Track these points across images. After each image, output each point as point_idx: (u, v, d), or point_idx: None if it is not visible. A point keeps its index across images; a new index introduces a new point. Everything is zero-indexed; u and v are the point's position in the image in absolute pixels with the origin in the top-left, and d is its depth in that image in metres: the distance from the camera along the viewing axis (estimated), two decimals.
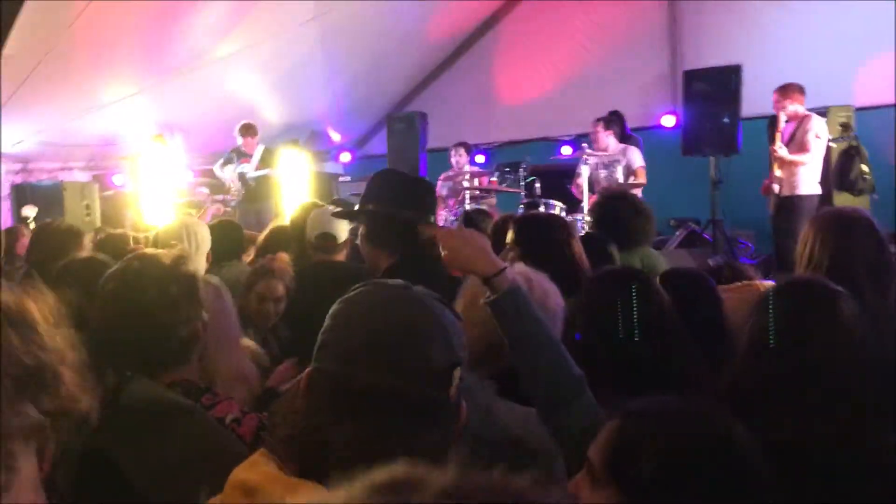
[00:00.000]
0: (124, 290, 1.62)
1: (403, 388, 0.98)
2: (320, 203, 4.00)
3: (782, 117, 5.99)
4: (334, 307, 1.06)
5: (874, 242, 2.06)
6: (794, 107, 6.01)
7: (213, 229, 3.38)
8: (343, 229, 3.22)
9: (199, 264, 2.87)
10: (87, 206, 7.31)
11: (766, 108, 6.37)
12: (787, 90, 6.03)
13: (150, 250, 1.87)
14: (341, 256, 3.27)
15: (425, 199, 2.56)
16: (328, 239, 3.19)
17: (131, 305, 1.59)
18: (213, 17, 7.21)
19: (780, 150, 5.94)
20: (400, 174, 3.04)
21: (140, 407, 1.50)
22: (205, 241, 3.11)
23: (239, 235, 3.86)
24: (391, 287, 1.09)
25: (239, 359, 2.03)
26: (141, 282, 1.61)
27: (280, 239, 3.69)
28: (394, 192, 2.51)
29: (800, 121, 6.02)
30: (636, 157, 6.94)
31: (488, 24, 9.88)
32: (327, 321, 1.05)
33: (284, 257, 3.15)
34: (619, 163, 6.88)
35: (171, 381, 1.60)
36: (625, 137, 7.41)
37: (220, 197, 8.17)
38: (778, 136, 6.00)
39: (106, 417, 1.60)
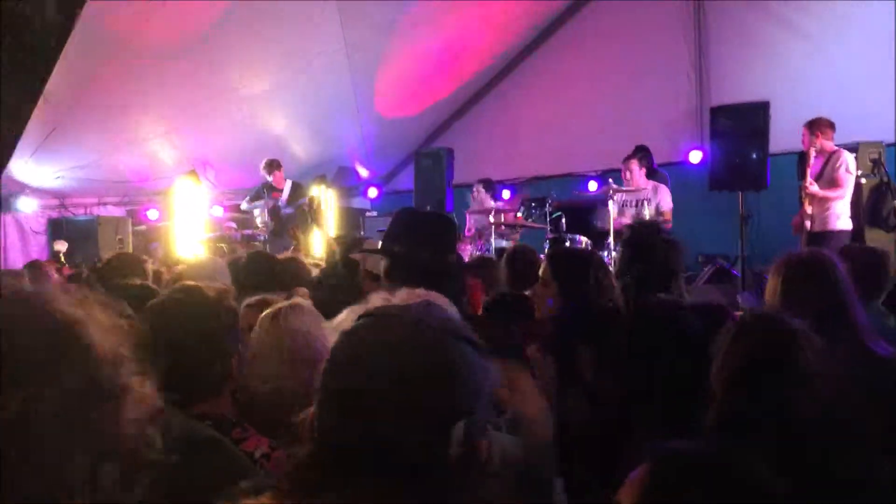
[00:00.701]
0: (165, 319, 1.65)
1: (382, 445, 0.89)
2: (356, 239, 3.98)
3: (812, 153, 5.95)
4: (335, 343, 1.00)
5: (829, 286, 2.04)
6: (824, 142, 5.97)
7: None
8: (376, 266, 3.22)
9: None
10: (121, 241, 7.47)
11: (795, 143, 6.33)
12: (817, 125, 6.00)
13: (193, 283, 1.89)
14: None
15: (444, 238, 2.57)
16: (372, 277, 3.18)
17: (170, 336, 1.61)
18: (245, 54, 7.40)
19: (812, 186, 5.89)
20: (420, 213, 3.06)
21: (171, 439, 1.51)
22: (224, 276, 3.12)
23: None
24: (395, 323, 0.98)
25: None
26: (182, 313, 1.65)
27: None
28: (413, 231, 2.53)
29: (829, 156, 5.97)
30: (666, 198, 6.92)
31: (515, 61, 10.00)
32: (328, 358, 0.99)
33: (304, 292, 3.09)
34: (648, 201, 6.87)
35: (202, 413, 1.61)
36: (651, 172, 7.40)
37: (248, 232, 8.29)
38: (808, 171, 5.95)
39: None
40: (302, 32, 7.41)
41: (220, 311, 1.66)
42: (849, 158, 5.93)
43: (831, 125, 6.02)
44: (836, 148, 6.03)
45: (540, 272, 2.78)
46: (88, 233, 7.62)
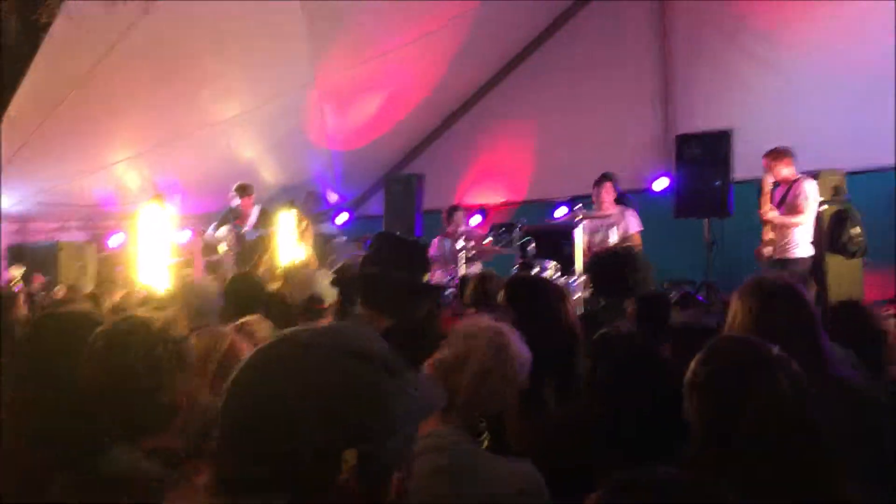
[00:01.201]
0: (109, 350, 1.60)
1: (271, 470, 0.86)
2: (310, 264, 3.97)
3: (768, 180, 6.06)
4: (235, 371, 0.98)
5: (801, 312, 2.05)
6: (786, 170, 6.09)
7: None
8: (331, 292, 3.12)
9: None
10: (82, 267, 7.31)
11: (758, 171, 6.45)
12: (778, 154, 6.12)
13: (141, 312, 1.85)
14: (328, 320, 3.16)
15: (416, 260, 2.60)
16: (315, 303, 3.11)
17: (115, 367, 1.57)
18: (214, 80, 7.37)
19: (770, 213, 5.99)
20: (394, 236, 3.08)
21: (118, 476, 1.46)
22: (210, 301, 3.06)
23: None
24: (288, 346, 0.94)
25: None
26: (127, 343, 1.60)
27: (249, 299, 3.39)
28: (388, 254, 2.55)
29: (791, 184, 6.09)
30: (634, 222, 6.99)
31: (484, 88, 10.11)
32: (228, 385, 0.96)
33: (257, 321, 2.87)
34: (615, 225, 6.92)
35: (151, 447, 1.56)
36: (619, 198, 7.49)
37: (214, 258, 8.18)
38: (766, 199, 6.06)
39: (84, 485, 1.56)
40: (272, 59, 7.41)
41: (165, 341, 1.60)
42: (809, 186, 6.05)
43: (790, 153, 6.14)
44: (798, 175, 6.16)
45: (498, 299, 2.78)
46: (49, 259, 7.46)
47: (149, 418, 1.58)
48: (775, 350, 1.62)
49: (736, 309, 2.13)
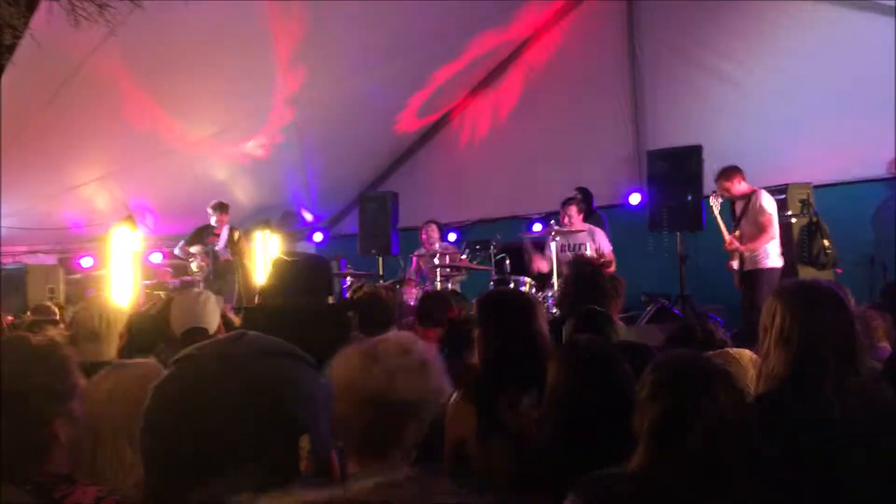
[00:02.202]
0: None
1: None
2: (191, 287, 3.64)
3: (716, 207, 6.19)
4: (146, 401, 0.96)
5: (843, 317, 2.03)
6: (739, 185, 6.21)
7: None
8: (214, 318, 2.79)
9: (110, 351, 2.63)
10: (51, 290, 7.19)
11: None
12: (729, 174, 6.22)
13: (23, 333, 1.70)
14: None
15: (319, 283, 2.54)
16: (197, 334, 2.72)
17: None
18: (186, 100, 7.32)
19: (733, 244, 6.11)
20: (293, 261, 2.90)
21: None
22: (117, 325, 2.79)
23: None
24: (199, 362, 0.94)
25: None
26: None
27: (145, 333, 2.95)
28: (288, 283, 2.48)
29: (748, 197, 6.19)
30: (604, 241, 7.02)
31: (458, 106, 10.15)
32: (144, 412, 0.95)
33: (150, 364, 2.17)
34: (585, 243, 6.96)
35: (35, 478, 1.42)
36: (589, 214, 7.54)
37: (186, 278, 8.08)
38: (723, 227, 6.17)
39: None
40: (244, 78, 7.38)
41: (34, 371, 1.45)
42: (765, 197, 6.14)
43: (739, 169, 6.25)
44: (751, 189, 6.25)
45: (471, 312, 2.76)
46: (16, 282, 7.31)
47: (17, 454, 1.42)
48: (717, 364, 1.61)
49: (776, 310, 2.05)
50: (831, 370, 1.92)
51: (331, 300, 2.37)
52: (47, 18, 4.62)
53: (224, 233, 8.13)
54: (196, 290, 3.09)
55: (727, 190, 6.22)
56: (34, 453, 1.45)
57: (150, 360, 1.93)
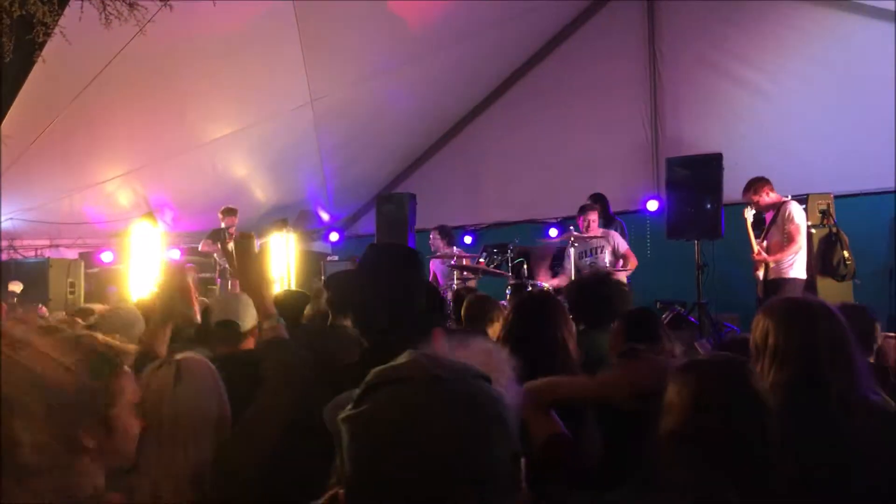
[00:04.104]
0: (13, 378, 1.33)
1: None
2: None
3: (749, 217, 6.15)
4: (349, 425, 0.90)
5: (837, 331, 2.01)
6: (769, 196, 6.18)
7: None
8: (251, 314, 2.74)
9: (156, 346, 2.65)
10: (72, 284, 7.27)
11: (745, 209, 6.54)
12: (757, 187, 6.19)
13: (89, 332, 1.61)
14: (249, 345, 2.79)
15: (419, 276, 2.39)
16: (228, 326, 2.71)
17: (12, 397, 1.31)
18: (208, 99, 7.39)
19: (761, 256, 6.07)
20: (391, 247, 2.89)
21: None
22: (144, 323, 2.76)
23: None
24: (416, 386, 0.89)
25: None
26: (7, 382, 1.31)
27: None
28: (388, 271, 2.37)
29: (778, 207, 6.15)
30: (621, 241, 7.04)
31: (477, 110, 10.18)
32: (350, 444, 0.89)
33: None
34: (602, 248, 6.97)
35: (50, 488, 1.32)
36: (608, 220, 7.54)
37: (205, 275, 8.18)
38: (752, 240, 6.13)
39: None
40: (266, 78, 7.43)
41: (57, 381, 1.35)
42: (795, 208, 6.11)
43: (764, 181, 6.22)
44: (783, 198, 6.23)
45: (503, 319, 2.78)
46: (38, 275, 7.41)
47: (38, 463, 1.33)
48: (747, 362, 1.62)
49: (768, 329, 2.04)
50: (833, 385, 1.90)
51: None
52: (79, 16, 4.67)
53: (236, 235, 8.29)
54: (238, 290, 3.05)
55: (755, 203, 6.19)
56: (57, 459, 1.36)
57: (196, 355, 1.95)
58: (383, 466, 0.85)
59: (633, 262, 6.87)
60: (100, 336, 1.45)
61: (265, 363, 1.94)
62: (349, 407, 0.91)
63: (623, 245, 7.00)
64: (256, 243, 2.15)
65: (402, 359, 0.94)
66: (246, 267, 2.00)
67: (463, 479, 0.84)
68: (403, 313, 1.88)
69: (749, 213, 6.23)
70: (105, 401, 1.42)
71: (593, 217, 6.97)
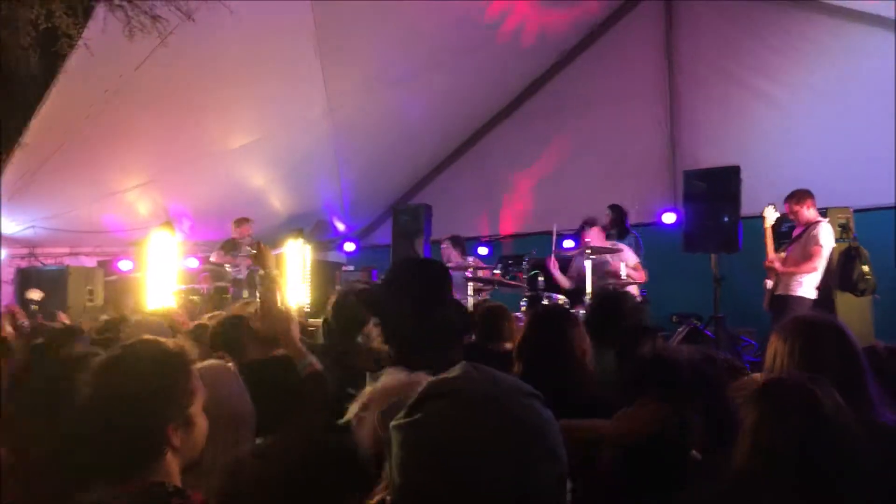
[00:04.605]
0: (103, 379, 1.48)
1: None
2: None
3: (769, 223, 6.05)
4: (401, 434, 0.90)
5: (847, 350, 2.00)
6: (808, 212, 6.03)
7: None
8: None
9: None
10: (91, 292, 7.35)
11: (765, 207, 6.46)
12: (801, 197, 6.04)
13: (148, 337, 1.75)
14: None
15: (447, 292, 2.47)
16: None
17: (105, 396, 1.45)
18: (226, 109, 7.45)
19: (773, 263, 5.96)
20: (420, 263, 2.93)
21: None
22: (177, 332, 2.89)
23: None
24: (471, 401, 0.89)
25: None
26: (121, 369, 1.48)
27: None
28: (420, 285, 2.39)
29: (809, 226, 6.02)
30: (629, 255, 6.99)
31: (494, 121, 10.20)
32: (399, 452, 0.90)
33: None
34: (608, 263, 6.96)
35: (137, 486, 1.42)
36: (623, 232, 7.51)
37: (220, 284, 8.23)
38: (769, 244, 6.03)
39: None
40: (285, 89, 7.49)
41: (164, 368, 1.50)
42: (824, 230, 5.95)
43: (810, 195, 6.07)
44: (818, 218, 6.07)
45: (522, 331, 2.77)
46: (58, 283, 7.49)
47: (135, 453, 1.45)
48: (824, 386, 1.61)
49: (778, 348, 2.06)
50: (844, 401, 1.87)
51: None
52: (102, 28, 4.74)
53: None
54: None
55: (795, 213, 6.04)
56: (150, 452, 1.47)
57: (220, 362, 2.00)
58: (429, 478, 0.86)
59: (640, 277, 6.82)
60: (170, 341, 1.56)
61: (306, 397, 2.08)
62: (401, 414, 0.92)
63: (633, 259, 6.96)
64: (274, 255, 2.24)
65: (454, 371, 0.95)
66: (270, 312, 2.03)
67: (507, 498, 0.84)
68: (430, 325, 1.90)
69: (770, 213, 6.11)
70: (185, 400, 1.54)
71: (592, 234, 6.95)
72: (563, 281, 7.13)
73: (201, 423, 1.59)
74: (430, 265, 2.10)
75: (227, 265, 8.43)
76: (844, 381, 1.90)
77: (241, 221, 8.39)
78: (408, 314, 1.93)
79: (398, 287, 2.04)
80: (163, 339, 1.63)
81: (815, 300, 5.91)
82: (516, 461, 0.85)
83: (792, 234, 6.03)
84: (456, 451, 0.86)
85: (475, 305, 5.36)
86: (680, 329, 7.38)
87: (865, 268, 6.40)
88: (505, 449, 0.86)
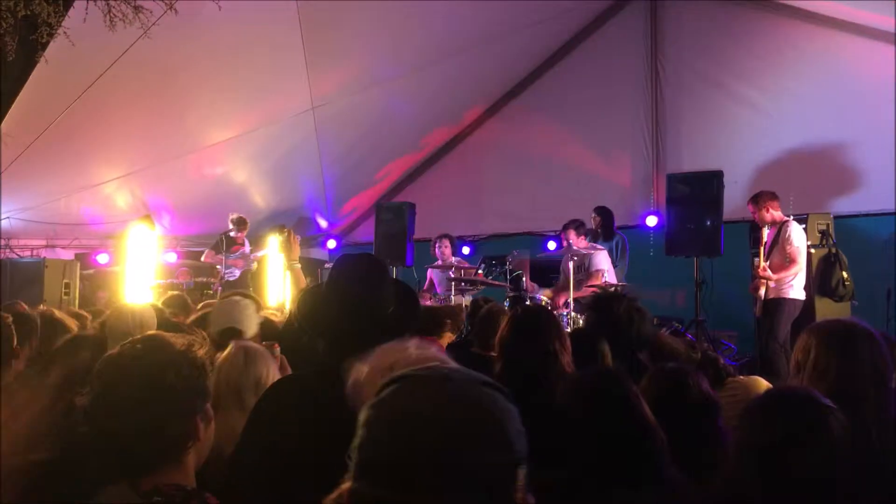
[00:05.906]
0: (115, 375, 1.45)
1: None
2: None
3: (765, 232, 6.09)
4: (364, 414, 0.95)
5: (878, 355, 2.08)
6: (771, 214, 6.14)
7: None
8: (252, 323, 2.82)
9: None
10: (67, 285, 7.22)
11: (747, 212, 6.51)
12: (761, 200, 6.15)
13: (159, 333, 1.72)
14: None
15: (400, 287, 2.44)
16: (231, 334, 2.71)
17: (119, 394, 1.41)
18: (209, 104, 7.37)
19: (766, 272, 5.98)
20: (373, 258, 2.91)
21: None
22: (149, 326, 2.84)
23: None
24: (427, 382, 0.95)
25: None
26: (135, 367, 1.44)
27: None
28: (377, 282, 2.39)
29: (779, 226, 6.11)
30: (600, 260, 6.99)
31: (478, 121, 10.19)
32: (361, 431, 0.94)
33: None
34: (584, 266, 6.98)
35: (153, 485, 1.40)
36: (609, 234, 7.52)
37: (201, 279, 8.15)
38: (761, 255, 6.04)
39: None
40: (268, 83, 7.42)
41: (180, 364, 1.46)
42: (795, 229, 6.05)
43: (774, 196, 6.18)
44: (784, 217, 6.19)
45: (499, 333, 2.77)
46: (33, 275, 7.35)
47: (153, 452, 1.42)
48: (828, 402, 1.63)
49: (810, 345, 2.12)
50: (871, 401, 1.99)
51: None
52: (82, 17, 4.65)
53: (246, 244, 8.34)
54: (237, 297, 3.09)
55: (758, 216, 6.14)
56: (168, 452, 1.45)
57: None
58: (381, 453, 0.90)
59: (595, 281, 6.80)
60: (181, 336, 1.55)
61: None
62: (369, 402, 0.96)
63: (598, 264, 6.95)
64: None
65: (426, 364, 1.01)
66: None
67: (454, 474, 0.87)
68: (364, 317, 1.89)
69: (766, 228, 6.13)
70: (208, 392, 1.54)
71: (571, 236, 6.98)
72: (550, 292, 7.15)
73: (212, 421, 1.57)
74: (360, 258, 2.04)
75: (217, 265, 8.32)
76: (872, 382, 2.01)
77: (241, 222, 8.31)
78: (340, 309, 1.92)
79: (329, 286, 2.01)
80: (176, 335, 1.60)
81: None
82: (463, 437, 0.88)
83: (764, 240, 6.08)
84: (407, 428, 0.89)
85: (472, 303, 5.32)
86: (662, 331, 7.41)
87: (844, 274, 6.47)
88: (454, 428, 0.89)
